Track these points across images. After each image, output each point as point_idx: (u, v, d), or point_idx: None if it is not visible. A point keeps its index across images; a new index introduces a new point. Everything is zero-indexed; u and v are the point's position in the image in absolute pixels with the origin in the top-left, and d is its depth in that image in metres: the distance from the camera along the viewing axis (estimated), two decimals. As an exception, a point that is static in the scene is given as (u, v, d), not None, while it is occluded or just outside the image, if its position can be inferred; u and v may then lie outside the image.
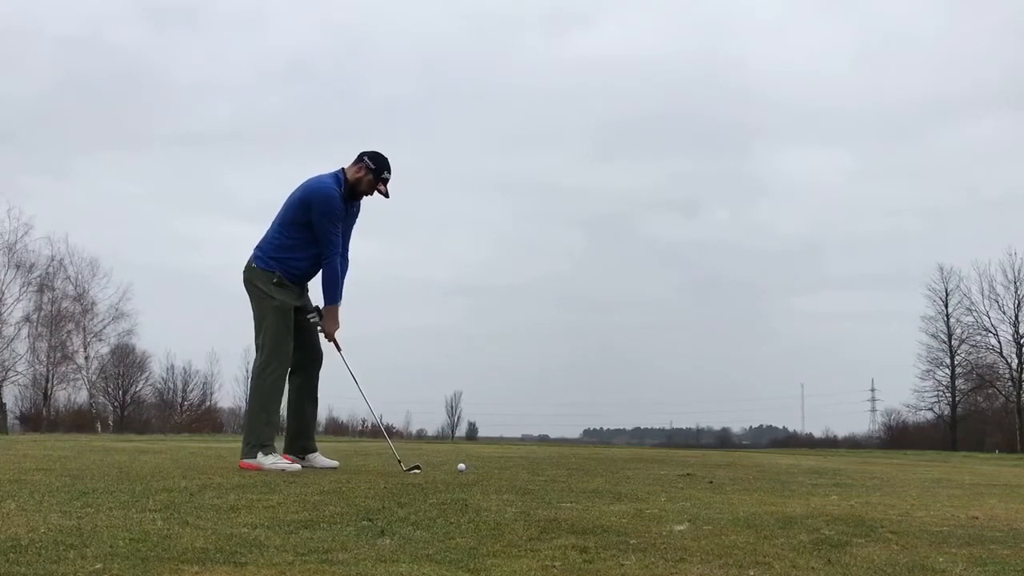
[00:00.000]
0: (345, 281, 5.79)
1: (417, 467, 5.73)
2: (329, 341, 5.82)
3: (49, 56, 70.64)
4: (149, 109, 79.27)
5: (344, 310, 5.81)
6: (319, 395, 5.99)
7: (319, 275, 5.74)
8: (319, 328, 5.80)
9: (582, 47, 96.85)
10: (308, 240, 5.62)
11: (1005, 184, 77.53)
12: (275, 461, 5.51)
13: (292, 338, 5.66)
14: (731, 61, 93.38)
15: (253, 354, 5.76)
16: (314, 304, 5.83)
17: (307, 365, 5.82)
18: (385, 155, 5.72)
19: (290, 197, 5.71)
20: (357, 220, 5.91)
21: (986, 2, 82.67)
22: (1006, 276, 43.65)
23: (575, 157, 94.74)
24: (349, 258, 5.84)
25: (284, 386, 5.69)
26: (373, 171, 5.66)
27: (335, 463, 5.98)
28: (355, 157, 5.73)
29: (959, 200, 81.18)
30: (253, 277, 5.68)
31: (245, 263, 5.76)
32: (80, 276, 42.23)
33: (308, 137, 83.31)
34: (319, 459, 5.88)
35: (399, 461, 5.85)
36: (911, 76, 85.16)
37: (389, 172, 5.70)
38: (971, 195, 79.72)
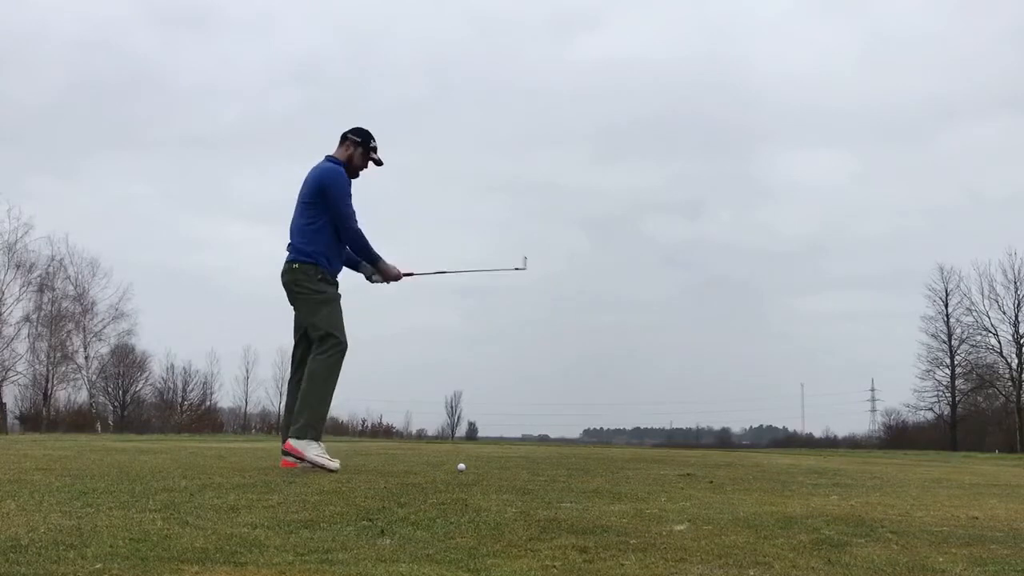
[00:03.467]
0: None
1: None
2: (403, 278, 6.03)
3: (58, 59, 71.02)
4: (157, 112, 79.60)
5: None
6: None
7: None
8: (384, 282, 5.99)
9: (587, 49, 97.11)
10: (332, 228, 5.69)
11: (1006, 185, 77.67)
12: (319, 455, 5.46)
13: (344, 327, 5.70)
14: (734, 63, 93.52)
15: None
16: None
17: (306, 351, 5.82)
18: (366, 127, 5.85)
19: (302, 195, 5.76)
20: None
21: (988, 4, 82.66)
22: (1006, 276, 43.63)
23: (578, 158, 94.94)
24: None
25: (341, 370, 5.69)
26: (360, 144, 5.80)
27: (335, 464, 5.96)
28: (339, 140, 5.85)
29: (960, 201, 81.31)
30: (297, 278, 5.68)
31: (283, 267, 5.74)
32: (80, 276, 42.25)
33: (314, 139, 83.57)
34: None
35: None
36: (913, 78, 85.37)
37: (375, 140, 5.85)
38: (972, 196, 79.71)
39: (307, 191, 5.74)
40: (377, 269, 5.95)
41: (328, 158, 5.81)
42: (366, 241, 5.82)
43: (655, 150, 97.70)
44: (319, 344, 5.62)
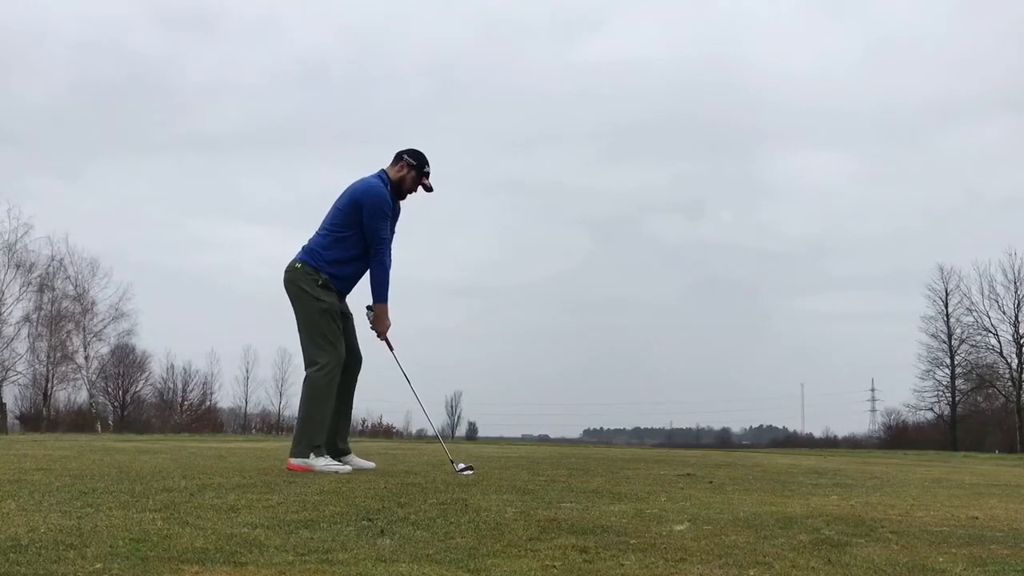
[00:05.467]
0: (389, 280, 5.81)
1: (470, 467, 5.72)
2: (380, 340, 5.82)
3: (64, 59, 71.27)
4: (159, 112, 79.83)
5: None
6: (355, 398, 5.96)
7: (365, 277, 5.74)
8: (370, 327, 5.80)
9: (590, 51, 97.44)
10: (356, 243, 5.62)
11: (1006, 186, 77.86)
12: (327, 463, 5.47)
13: (343, 338, 5.64)
14: (736, 64, 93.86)
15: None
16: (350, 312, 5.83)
17: (348, 367, 5.76)
18: (422, 151, 5.80)
19: (338, 201, 5.72)
20: (398, 220, 5.91)
21: (989, 6, 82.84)
22: (1006, 276, 43.65)
23: (581, 159, 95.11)
24: (392, 258, 5.84)
25: (336, 386, 5.61)
26: (415, 167, 5.75)
27: (371, 464, 5.97)
28: (393, 158, 5.80)
29: (960, 201, 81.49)
30: (296, 277, 5.63)
31: (287, 264, 5.70)
32: (80, 276, 42.26)
33: (318, 140, 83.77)
34: (355, 460, 5.85)
35: (451, 461, 5.89)
36: (914, 79, 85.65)
37: (429, 166, 5.79)
38: (972, 196, 79.88)
39: (344, 202, 5.68)
40: (375, 310, 5.74)
41: (379, 173, 5.75)
42: (386, 278, 5.70)
43: (657, 151, 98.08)
44: (309, 359, 5.59)
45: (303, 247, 5.74)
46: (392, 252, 5.83)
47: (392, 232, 5.82)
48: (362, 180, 5.73)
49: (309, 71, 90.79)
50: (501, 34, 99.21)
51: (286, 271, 5.69)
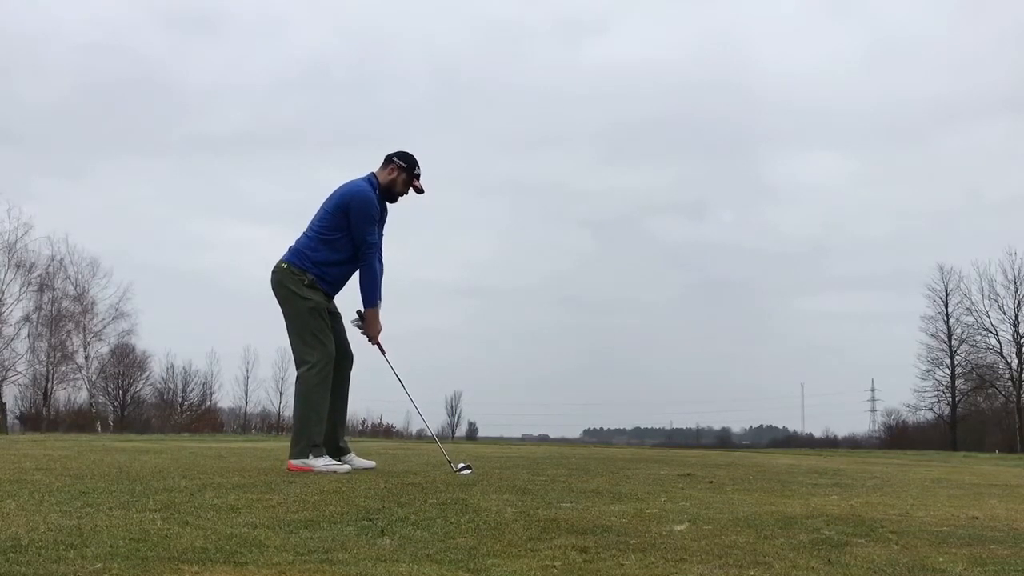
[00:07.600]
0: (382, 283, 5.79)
1: (468, 467, 5.72)
2: (372, 344, 5.80)
3: (66, 60, 71.35)
4: (163, 113, 79.91)
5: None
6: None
7: (353, 281, 5.72)
8: (361, 331, 5.78)
9: (592, 52, 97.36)
10: (344, 245, 5.60)
11: (1006, 186, 77.86)
12: (326, 463, 5.46)
13: (332, 336, 5.63)
14: (738, 65, 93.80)
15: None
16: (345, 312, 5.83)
17: (340, 365, 5.74)
18: (412, 153, 5.78)
19: (325, 203, 5.70)
20: (386, 223, 5.90)
21: (990, 6, 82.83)
22: (1006, 276, 43.65)
23: (583, 160, 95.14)
24: (384, 260, 5.84)
25: (330, 384, 5.59)
26: (405, 170, 5.73)
27: (371, 463, 5.96)
28: (383, 161, 5.78)
29: (961, 201, 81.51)
30: (283, 278, 5.61)
31: (274, 265, 5.68)
32: (80, 276, 42.31)
33: (318, 140, 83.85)
34: (355, 460, 5.84)
35: (449, 461, 5.88)
36: (915, 79, 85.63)
37: (419, 168, 5.77)
38: (973, 197, 79.87)
39: (331, 204, 5.66)
40: (366, 314, 5.72)
41: (368, 176, 5.74)
42: (375, 282, 5.68)
43: (659, 151, 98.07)
44: (300, 359, 5.58)
45: (290, 248, 5.72)
46: (384, 255, 5.83)
47: (380, 235, 5.81)
48: (350, 182, 5.70)
49: (310, 72, 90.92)
50: (502, 35, 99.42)
51: (273, 272, 5.68)
